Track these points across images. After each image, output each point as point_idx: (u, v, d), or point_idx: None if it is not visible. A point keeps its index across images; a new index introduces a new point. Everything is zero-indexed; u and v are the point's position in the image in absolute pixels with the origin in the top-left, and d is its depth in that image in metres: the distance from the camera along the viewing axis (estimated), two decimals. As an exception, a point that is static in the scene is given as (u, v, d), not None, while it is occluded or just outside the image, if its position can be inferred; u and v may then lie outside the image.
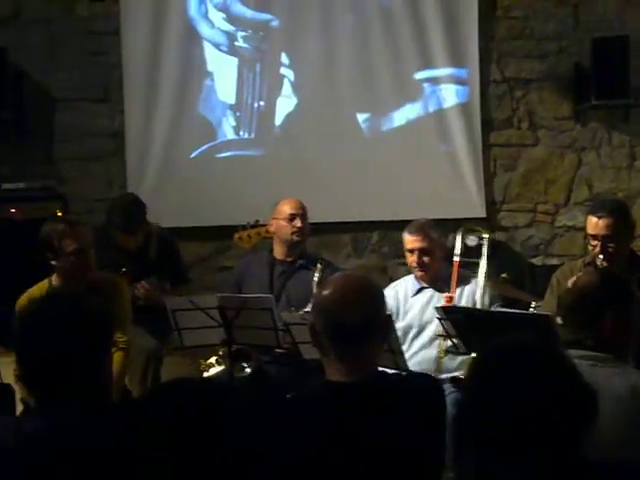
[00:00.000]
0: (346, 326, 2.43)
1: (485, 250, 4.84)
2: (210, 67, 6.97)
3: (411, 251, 4.75)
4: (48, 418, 2.30)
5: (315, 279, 4.83)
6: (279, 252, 5.20)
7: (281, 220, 5.17)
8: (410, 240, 4.74)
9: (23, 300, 4.33)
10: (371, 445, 2.36)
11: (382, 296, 2.58)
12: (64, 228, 4.38)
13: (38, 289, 4.41)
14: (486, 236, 4.96)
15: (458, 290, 4.73)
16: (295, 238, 5.14)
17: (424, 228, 4.76)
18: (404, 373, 4.10)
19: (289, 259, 5.19)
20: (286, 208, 5.16)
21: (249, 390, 4.59)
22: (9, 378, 4.27)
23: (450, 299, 4.64)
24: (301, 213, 5.15)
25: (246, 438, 1.94)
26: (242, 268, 5.31)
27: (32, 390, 2.40)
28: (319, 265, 4.90)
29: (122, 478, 2.13)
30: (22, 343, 2.38)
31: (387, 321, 2.57)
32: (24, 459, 2.26)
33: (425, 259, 4.73)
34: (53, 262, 4.37)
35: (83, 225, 4.62)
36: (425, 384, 2.52)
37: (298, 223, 5.12)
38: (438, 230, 4.83)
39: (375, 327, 2.46)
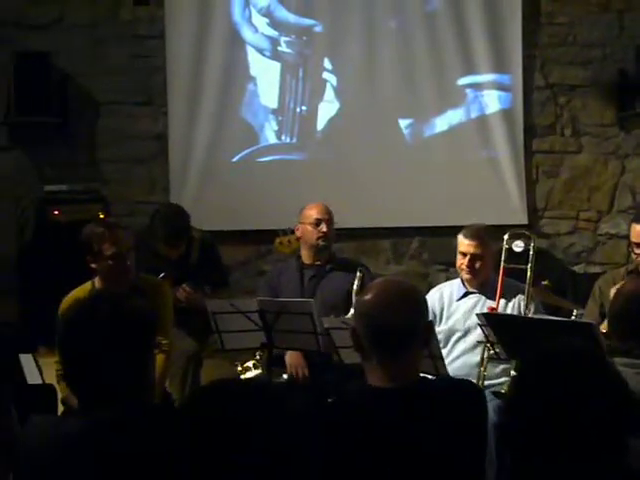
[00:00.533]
0: (387, 331, 2.42)
1: (532, 256, 4.80)
2: (253, 71, 6.99)
3: (464, 254, 4.71)
4: (88, 418, 2.31)
5: (355, 287, 4.82)
6: (307, 256, 5.20)
7: (307, 225, 5.18)
8: (465, 244, 4.70)
9: (66, 302, 4.36)
10: (411, 451, 2.34)
11: (424, 301, 2.57)
12: (103, 232, 4.40)
13: (81, 291, 4.44)
14: (532, 243, 4.91)
15: (503, 300, 4.68)
16: (321, 243, 5.14)
17: (480, 234, 4.72)
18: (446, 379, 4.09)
19: (317, 263, 5.19)
20: (312, 212, 5.17)
21: (289, 394, 4.59)
22: (52, 378, 4.30)
23: (492, 310, 4.59)
24: (327, 218, 5.15)
25: (286, 442, 1.94)
26: (274, 275, 5.32)
27: (74, 390, 2.41)
28: (358, 273, 4.89)
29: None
30: (65, 343, 2.39)
31: (428, 327, 2.55)
32: (63, 458, 2.28)
33: (477, 264, 4.68)
34: (93, 265, 4.40)
35: (123, 228, 4.63)
36: (466, 390, 2.50)
37: (324, 228, 5.12)
38: (490, 238, 4.79)
39: (416, 332, 2.45)
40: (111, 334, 2.32)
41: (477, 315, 4.30)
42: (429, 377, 2.66)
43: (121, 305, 2.40)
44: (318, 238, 5.13)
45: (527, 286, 4.66)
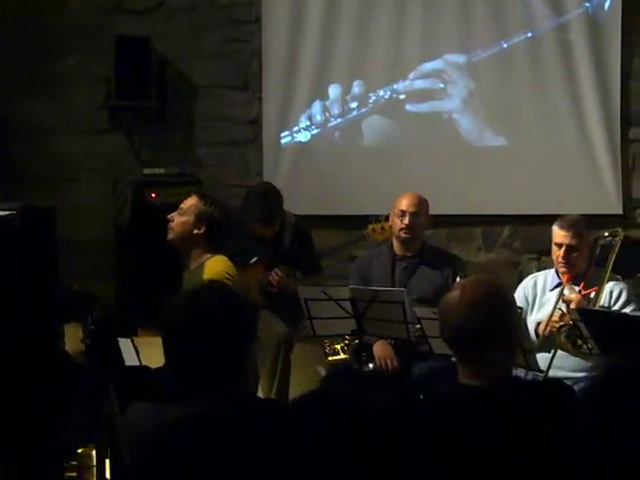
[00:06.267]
0: (462, 333, 2.46)
1: (617, 247, 4.73)
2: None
3: (559, 245, 4.65)
4: (188, 408, 2.37)
5: None
6: (397, 247, 5.21)
7: (394, 215, 5.19)
8: (560, 235, 4.64)
9: None
10: (497, 450, 2.35)
11: (508, 301, 2.57)
12: None
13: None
14: (617, 237, 4.84)
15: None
16: (402, 235, 5.13)
17: (577, 225, 4.65)
18: (538, 376, 4.08)
19: (409, 254, 5.19)
20: (399, 204, 5.17)
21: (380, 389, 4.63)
22: (149, 359, 4.38)
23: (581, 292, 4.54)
24: (412, 211, 5.12)
25: (386, 436, 1.98)
26: (365, 262, 5.34)
27: (178, 378, 2.46)
28: (458, 278, 4.84)
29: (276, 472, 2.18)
30: (169, 333, 2.45)
31: (508, 325, 2.53)
32: (164, 447, 2.33)
33: (572, 256, 4.63)
34: None
35: (192, 196, 4.55)
36: (557, 391, 2.48)
37: (406, 220, 5.10)
38: (588, 227, 4.74)
39: (496, 333, 2.46)
40: (214, 326, 2.38)
41: (570, 310, 4.28)
42: (521, 377, 2.64)
43: (224, 297, 2.46)
44: (400, 230, 5.14)
45: (606, 276, 4.59)
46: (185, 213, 4.40)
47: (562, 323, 4.44)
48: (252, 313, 2.51)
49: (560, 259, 4.64)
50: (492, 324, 2.46)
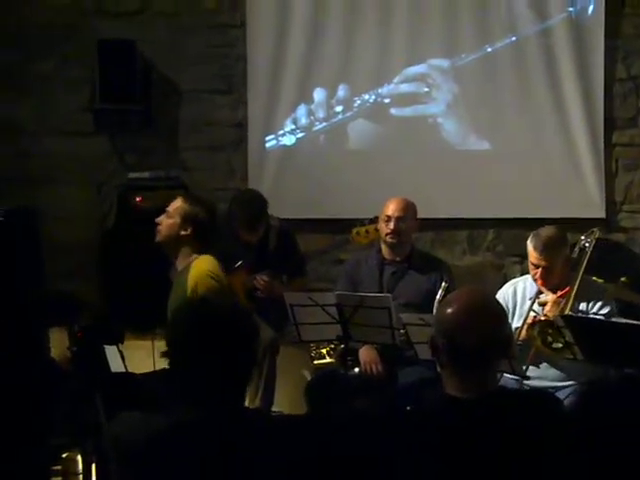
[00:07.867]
0: (465, 348, 2.44)
1: (589, 249, 4.75)
2: (334, 60, 7.00)
3: (534, 265, 4.64)
4: (181, 416, 2.37)
5: (438, 296, 4.78)
6: (385, 252, 5.24)
7: (381, 220, 5.21)
8: (534, 256, 4.61)
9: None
10: (487, 462, 2.35)
11: (503, 315, 2.58)
12: None
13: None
14: (590, 237, 4.86)
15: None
16: (388, 240, 5.16)
17: (551, 247, 4.59)
18: (524, 383, 4.10)
19: (397, 259, 5.20)
20: (386, 208, 5.20)
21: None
22: (134, 364, 4.37)
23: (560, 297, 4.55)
24: (397, 216, 5.14)
25: (370, 449, 1.99)
26: (353, 265, 5.35)
27: (180, 385, 2.46)
28: (444, 284, 4.84)
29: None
30: (172, 343, 2.46)
31: (508, 339, 2.55)
32: (153, 455, 2.34)
33: (549, 274, 4.61)
34: None
35: (178, 198, 4.61)
36: (545, 402, 2.49)
37: (391, 225, 5.13)
38: (563, 243, 4.70)
39: (494, 348, 2.47)
40: (225, 336, 2.39)
41: (546, 312, 4.30)
42: (506, 387, 2.65)
43: (232, 307, 2.48)
44: (386, 234, 5.17)
45: (579, 276, 4.60)
46: (172, 215, 4.49)
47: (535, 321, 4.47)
48: (254, 323, 2.52)
49: (536, 276, 4.64)
50: (492, 338, 2.47)
